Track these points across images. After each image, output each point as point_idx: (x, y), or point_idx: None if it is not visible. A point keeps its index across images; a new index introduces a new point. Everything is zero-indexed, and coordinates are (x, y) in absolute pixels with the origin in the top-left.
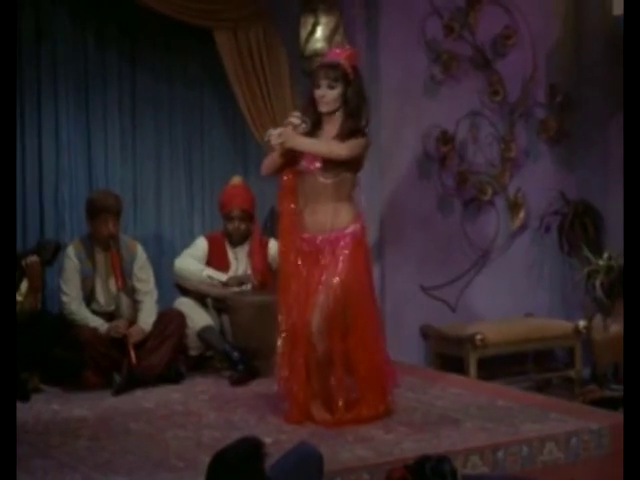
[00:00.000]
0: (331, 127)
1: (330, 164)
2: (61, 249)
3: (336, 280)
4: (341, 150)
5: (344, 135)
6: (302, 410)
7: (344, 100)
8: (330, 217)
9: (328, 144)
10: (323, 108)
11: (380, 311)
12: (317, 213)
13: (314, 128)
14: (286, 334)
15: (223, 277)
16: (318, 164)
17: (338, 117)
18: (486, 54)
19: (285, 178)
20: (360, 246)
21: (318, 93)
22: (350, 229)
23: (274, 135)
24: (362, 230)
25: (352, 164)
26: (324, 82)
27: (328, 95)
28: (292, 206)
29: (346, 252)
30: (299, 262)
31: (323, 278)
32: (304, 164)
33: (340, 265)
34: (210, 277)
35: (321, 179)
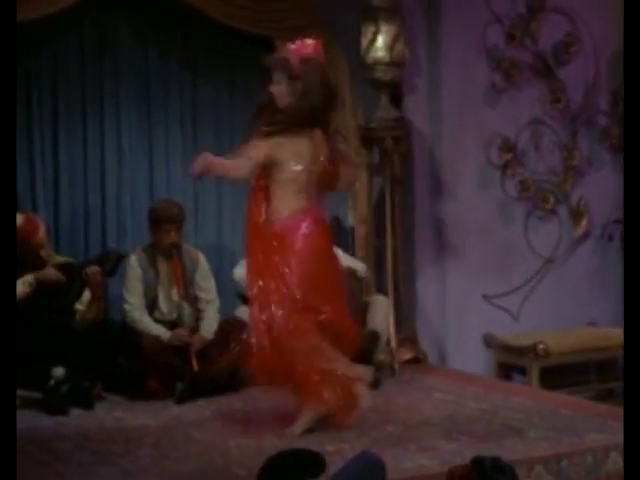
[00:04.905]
0: None
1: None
2: (123, 260)
3: None
4: (239, 164)
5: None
6: None
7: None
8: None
9: (234, 159)
10: (278, 103)
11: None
12: None
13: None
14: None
15: None
16: None
17: None
18: (548, 61)
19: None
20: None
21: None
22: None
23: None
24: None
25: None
26: (273, 77)
27: (274, 90)
28: None
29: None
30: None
31: None
32: None
33: None
34: None
35: None
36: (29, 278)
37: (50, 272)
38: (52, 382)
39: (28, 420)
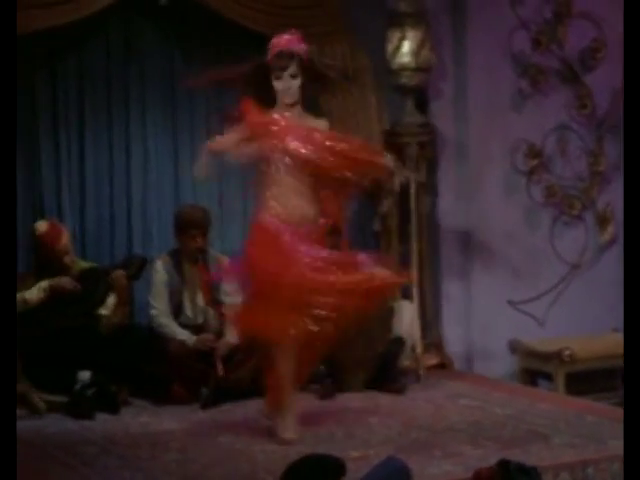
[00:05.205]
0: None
1: None
2: (147, 264)
3: None
4: None
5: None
6: None
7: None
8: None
9: None
10: (289, 100)
11: None
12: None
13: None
14: None
15: None
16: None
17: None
18: (574, 67)
19: None
20: None
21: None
22: None
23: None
24: None
25: None
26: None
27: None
28: None
29: None
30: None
31: None
32: (293, 146)
33: None
34: None
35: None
36: (44, 284)
37: (65, 281)
38: (78, 386)
39: (54, 424)
